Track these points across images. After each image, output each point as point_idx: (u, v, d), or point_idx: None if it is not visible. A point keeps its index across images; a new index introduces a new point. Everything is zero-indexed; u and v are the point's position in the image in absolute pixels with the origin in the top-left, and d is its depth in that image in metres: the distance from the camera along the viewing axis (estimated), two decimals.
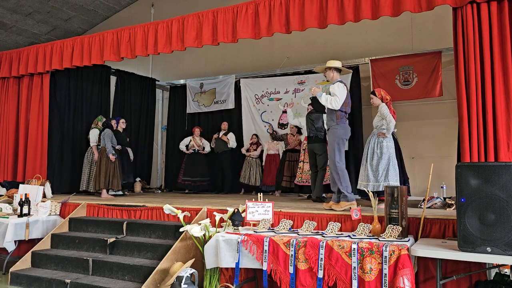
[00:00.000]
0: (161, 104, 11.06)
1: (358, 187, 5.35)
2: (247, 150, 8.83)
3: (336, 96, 4.81)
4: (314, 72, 8.81)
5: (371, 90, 7.94)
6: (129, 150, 8.41)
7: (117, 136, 7.67)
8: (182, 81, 10.42)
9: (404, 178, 5.33)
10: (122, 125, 8.03)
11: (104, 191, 7.23)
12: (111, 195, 7.36)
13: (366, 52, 8.32)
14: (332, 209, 4.61)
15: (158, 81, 10.64)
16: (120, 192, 7.63)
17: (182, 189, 9.24)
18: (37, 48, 7.63)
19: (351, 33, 8.45)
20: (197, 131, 9.26)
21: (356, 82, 8.46)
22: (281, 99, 9.06)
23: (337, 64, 5.04)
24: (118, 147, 7.61)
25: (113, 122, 7.82)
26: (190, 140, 9.16)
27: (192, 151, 9.08)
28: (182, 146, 9.19)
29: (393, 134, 5.45)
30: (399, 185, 4.94)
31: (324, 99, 4.89)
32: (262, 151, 8.82)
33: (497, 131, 4.15)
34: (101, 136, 7.45)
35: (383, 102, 5.38)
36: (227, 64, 10.03)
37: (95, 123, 7.97)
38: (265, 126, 9.15)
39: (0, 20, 10.36)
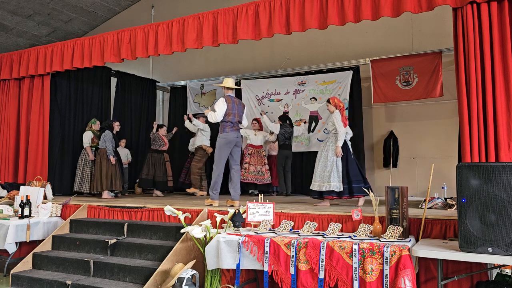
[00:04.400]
0: (161, 105, 11.08)
1: (311, 187, 5.66)
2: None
3: (215, 112, 5.64)
4: (314, 73, 8.83)
5: (372, 90, 8.01)
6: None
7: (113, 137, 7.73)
8: (182, 82, 10.44)
9: (351, 179, 5.54)
10: (116, 127, 8.03)
11: (105, 192, 7.25)
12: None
13: (366, 53, 8.33)
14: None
15: (159, 82, 10.65)
16: (119, 194, 7.69)
17: (182, 190, 9.23)
18: (38, 50, 7.63)
19: (351, 34, 8.46)
20: None
21: (357, 82, 8.48)
22: (281, 100, 9.06)
23: (224, 84, 5.87)
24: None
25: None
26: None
27: None
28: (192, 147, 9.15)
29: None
30: (340, 185, 5.40)
31: (208, 116, 5.71)
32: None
33: (498, 131, 4.15)
34: (101, 137, 7.47)
35: (337, 109, 5.66)
36: (227, 65, 10.04)
37: (89, 126, 8.08)
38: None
39: (1, 22, 10.38)
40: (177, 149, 9.74)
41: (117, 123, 8.11)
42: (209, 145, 8.27)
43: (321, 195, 5.48)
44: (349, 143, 5.73)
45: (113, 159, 7.33)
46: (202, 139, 8.24)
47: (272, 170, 8.44)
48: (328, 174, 5.43)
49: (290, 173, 8.17)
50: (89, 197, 7.41)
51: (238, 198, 5.67)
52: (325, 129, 8.58)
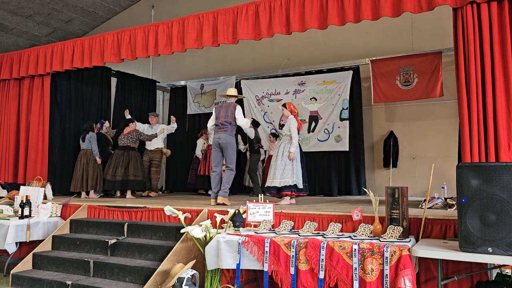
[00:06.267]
0: (161, 105, 11.08)
1: (267, 184, 5.93)
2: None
3: None
4: (314, 73, 8.83)
5: (372, 90, 8.01)
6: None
7: (102, 139, 7.80)
8: (182, 82, 10.44)
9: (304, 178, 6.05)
10: (105, 129, 8.09)
11: (91, 191, 7.42)
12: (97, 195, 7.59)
13: (366, 53, 8.34)
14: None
15: (159, 82, 10.65)
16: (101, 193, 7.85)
17: (182, 191, 9.25)
18: (38, 50, 7.64)
19: (351, 34, 8.46)
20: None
21: (357, 82, 8.48)
22: (281, 100, 9.05)
23: (227, 92, 6.21)
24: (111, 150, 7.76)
25: (97, 126, 8.01)
26: (204, 143, 9.04)
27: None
28: (199, 152, 9.02)
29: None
30: (301, 182, 5.82)
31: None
32: (265, 151, 8.81)
33: (498, 131, 4.15)
34: (86, 139, 7.55)
35: (291, 114, 6.01)
36: (227, 65, 10.04)
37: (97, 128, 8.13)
38: (268, 127, 9.15)
39: (1, 22, 10.38)
40: (179, 150, 9.75)
41: (106, 123, 8.21)
42: (163, 147, 8.29)
43: (279, 191, 5.82)
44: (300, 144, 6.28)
45: (99, 160, 7.46)
46: (158, 141, 8.17)
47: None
48: (290, 173, 5.79)
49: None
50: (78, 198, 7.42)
51: (223, 195, 5.77)
52: (326, 129, 8.59)
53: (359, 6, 4.86)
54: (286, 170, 5.78)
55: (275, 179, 5.81)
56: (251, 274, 4.18)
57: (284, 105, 6.15)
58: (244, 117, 6.34)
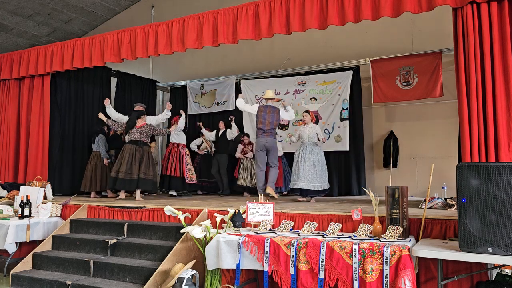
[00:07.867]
0: (161, 105, 11.07)
1: (304, 187, 6.37)
2: (245, 153, 8.67)
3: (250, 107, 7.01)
4: (315, 73, 8.84)
5: (372, 90, 8.01)
6: None
7: (116, 139, 7.85)
8: (182, 82, 10.44)
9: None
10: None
11: (93, 192, 7.53)
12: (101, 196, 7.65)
13: (366, 53, 8.33)
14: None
15: (159, 82, 10.65)
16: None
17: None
18: (38, 50, 7.64)
19: (351, 34, 8.46)
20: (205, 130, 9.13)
21: (357, 82, 8.48)
22: (281, 100, 9.05)
23: (265, 95, 6.93)
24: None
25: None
26: (202, 142, 9.08)
27: (206, 152, 9.04)
28: (194, 146, 9.06)
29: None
30: (327, 183, 6.56)
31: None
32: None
33: (498, 131, 4.14)
34: (95, 141, 7.66)
35: (312, 121, 6.67)
36: (227, 65, 10.04)
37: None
38: None
39: (1, 22, 10.38)
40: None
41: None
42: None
43: (319, 193, 6.45)
44: None
45: (106, 161, 7.57)
46: None
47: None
48: (323, 176, 6.47)
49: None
50: (81, 197, 7.42)
51: (272, 186, 6.52)
52: (326, 129, 8.59)
53: (359, 6, 4.86)
54: (323, 176, 6.44)
55: (315, 183, 6.37)
56: (251, 274, 4.18)
57: (308, 112, 6.68)
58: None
